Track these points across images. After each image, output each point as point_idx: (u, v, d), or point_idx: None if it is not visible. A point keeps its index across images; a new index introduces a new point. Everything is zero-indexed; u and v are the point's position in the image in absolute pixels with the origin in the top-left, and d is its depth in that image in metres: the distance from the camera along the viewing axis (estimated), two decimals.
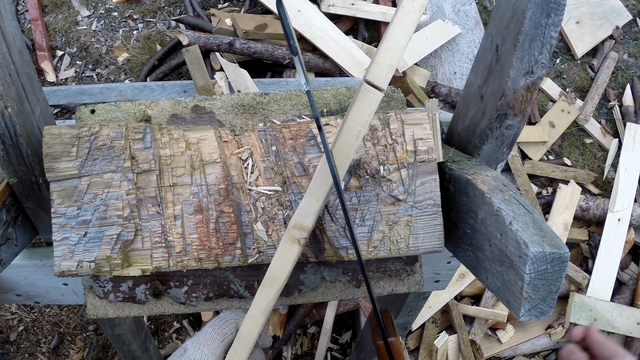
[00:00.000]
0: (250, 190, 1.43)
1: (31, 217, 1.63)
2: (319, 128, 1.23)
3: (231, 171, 1.43)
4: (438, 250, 1.42)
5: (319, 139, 1.45)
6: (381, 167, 1.41)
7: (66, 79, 4.01)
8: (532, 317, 1.12)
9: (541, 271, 1.10)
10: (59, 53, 4.03)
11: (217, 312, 3.43)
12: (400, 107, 1.63)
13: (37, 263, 1.77)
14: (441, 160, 1.50)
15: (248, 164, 1.46)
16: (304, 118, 1.62)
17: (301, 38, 3.77)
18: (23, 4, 4.05)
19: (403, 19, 1.20)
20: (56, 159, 1.33)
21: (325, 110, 1.66)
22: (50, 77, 3.98)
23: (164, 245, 1.36)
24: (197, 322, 3.74)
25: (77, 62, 4.08)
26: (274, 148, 1.47)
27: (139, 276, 1.57)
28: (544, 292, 1.12)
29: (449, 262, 1.90)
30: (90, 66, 4.05)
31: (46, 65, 3.95)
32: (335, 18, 3.86)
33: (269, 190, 1.44)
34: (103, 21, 4.12)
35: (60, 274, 1.35)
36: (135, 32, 4.10)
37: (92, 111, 1.57)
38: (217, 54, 3.53)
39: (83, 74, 4.04)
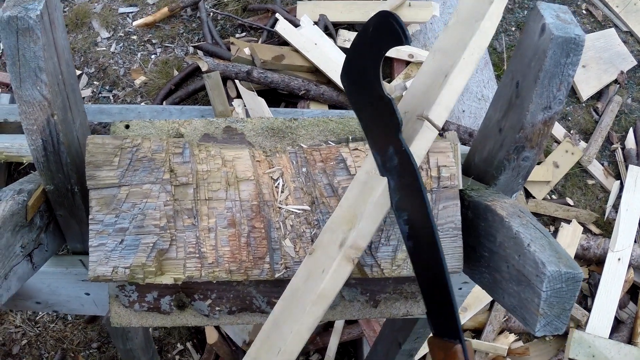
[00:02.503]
0: (280, 208, 1.51)
1: (62, 225, 1.70)
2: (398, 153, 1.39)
3: (263, 189, 1.51)
4: (457, 271, 1.49)
5: (348, 162, 1.53)
6: None
7: (83, 98, 4.10)
8: (547, 332, 1.19)
9: (557, 289, 1.17)
10: (77, 72, 4.13)
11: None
12: None
13: (62, 271, 1.82)
14: (461, 187, 1.58)
15: (279, 183, 1.54)
16: (330, 143, 1.70)
17: (316, 70, 3.88)
18: None
19: (463, 68, 1.34)
20: (98, 168, 1.41)
21: (350, 137, 1.75)
22: None
23: (197, 255, 1.42)
24: (201, 345, 3.77)
25: (95, 83, 4.18)
26: (304, 169, 1.55)
27: (164, 287, 1.63)
28: (559, 309, 1.19)
29: (460, 289, 1.96)
30: (107, 87, 4.15)
31: None
32: None
33: (298, 209, 1.52)
34: (122, 44, 4.24)
35: (95, 279, 1.41)
36: (153, 56, 4.21)
37: (127, 126, 1.65)
38: (236, 81, 3.64)
39: (100, 95, 4.14)
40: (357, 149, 1.56)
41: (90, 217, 1.41)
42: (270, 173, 1.55)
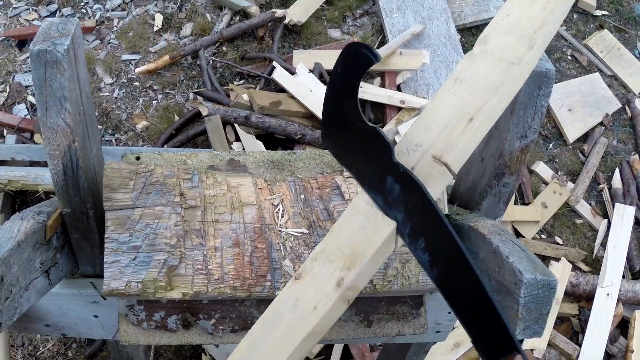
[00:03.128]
0: (280, 231, 1.64)
1: (75, 247, 1.81)
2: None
3: (264, 213, 1.64)
4: None
5: (342, 189, 1.67)
6: None
7: None
8: (526, 336, 1.30)
9: (533, 295, 1.29)
10: None
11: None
12: None
13: (74, 292, 1.92)
14: (447, 212, 1.72)
15: (279, 209, 1.67)
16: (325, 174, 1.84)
17: (312, 116, 4.05)
18: None
19: (490, 115, 1.27)
20: (114, 190, 1.54)
21: (343, 171, 1.88)
22: None
23: (204, 272, 1.54)
24: None
25: (98, 126, 4.33)
26: (302, 196, 1.69)
27: (170, 307, 1.75)
28: (536, 314, 1.30)
29: (450, 312, 2.07)
30: (109, 131, 4.30)
31: None
32: None
33: (297, 232, 1.65)
34: (125, 89, 4.41)
35: (109, 293, 1.53)
36: (154, 102, 4.38)
37: (137, 158, 1.79)
38: (235, 125, 3.80)
39: (102, 138, 4.29)
40: (350, 177, 1.70)
41: (105, 236, 1.53)
42: (271, 199, 1.68)
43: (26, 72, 4.36)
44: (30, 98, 4.24)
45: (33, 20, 4.58)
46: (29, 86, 4.30)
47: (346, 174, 1.71)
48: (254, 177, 1.71)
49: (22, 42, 4.50)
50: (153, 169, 1.56)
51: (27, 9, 4.64)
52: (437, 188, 1.25)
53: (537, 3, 1.30)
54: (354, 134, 1.32)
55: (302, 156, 1.89)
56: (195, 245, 1.55)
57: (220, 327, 1.76)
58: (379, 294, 1.63)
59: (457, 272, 1.17)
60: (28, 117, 4.15)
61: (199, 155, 1.84)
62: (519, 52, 1.25)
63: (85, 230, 1.74)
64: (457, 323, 2.34)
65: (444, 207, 1.69)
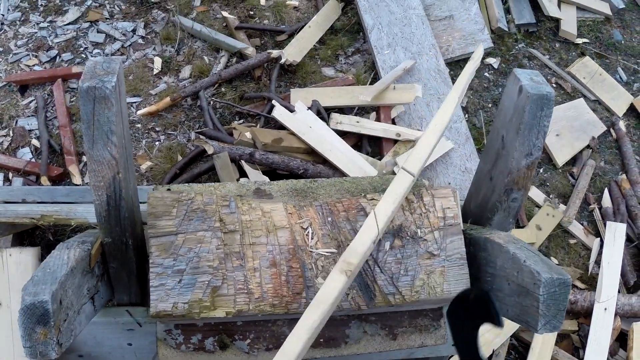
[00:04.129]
0: (311, 251, 1.76)
1: (112, 277, 1.91)
2: None
3: (296, 236, 1.76)
4: None
5: (367, 210, 1.80)
6: (418, 230, 1.76)
7: None
8: (547, 330, 1.43)
9: (551, 293, 1.42)
10: (85, 158, 4.40)
11: None
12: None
13: (109, 320, 2.01)
14: (463, 228, 1.86)
15: (308, 232, 1.80)
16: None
17: (312, 151, 4.18)
18: (52, 110, 4.47)
19: (433, 129, 1.74)
20: (158, 218, 1.66)
21: (365, 195, 2.02)
22: (77, 179, 4.29)
23: (245, 292, 1.66)
24: None
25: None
26: (329, 219, 1.82)
27: (207, 330, 1.85)
28: (555, 310, 1.44)
29: None
30: None
31: (73, 169, 4.27)
32: (342, 134, 4.30)
33: (327, 252, 1.77)
34: None
35: (156, 315, 1.63)
36: (157, 142, 4.50)
37: (169, 189, 1.91)
38: (242, 162, 3.92)
39: None
40: (373, 198, 1.84)
41: (150, 261, 1.64)
42: (301, 223, 1.81)
43: (29, 116, 4.47)
44: (35, 142, 4.34)
45: (34, 65, 4.71)
46: (32, 130, 4.40)
47: (369, 196, 1.85)
48: (284, 202, 1.84)
49: (24, 87, 4.61)
50: (194, 197, 1.68)
51: (27, 55, 4.77)
52: (400, 186, 1.76)
53: None
54: (468, 350, 1.51)
55: (323, 184, 2.02)
56: (235, 267, 1.67)
57: (256, 347, 1.87)
58: (407, 304, 1.75)
59: None
60: (33, 160, 4.25)
61: (227, 186, 1.97)
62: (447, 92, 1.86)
63: (123, 259, 1.85)
64: None
65: (460, 223, 1.82)
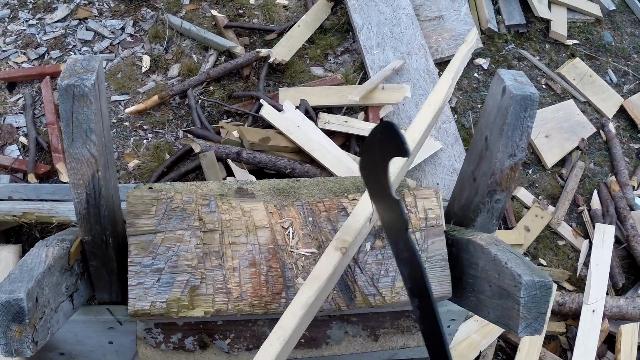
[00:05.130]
0: (292, 251, 1.75)
1: (93, 275, 1.89)
2: None
3: (277, 236, 1.75)
4: (447, 296, 1.72)
5: (348, 210, 1.79)
6: None
7: None
8: (528, 333, 1.42)
9: (532, 295, 1.41)
10: None
11: None
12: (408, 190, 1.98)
13: (91, 319, 1.99)
14: (445, 229, 1.84)
15: (289, 231, 1.78)
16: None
17: (300, 151, 4.17)
18: (40, 108, 4.43)
19: (427, 110, 1.78)
20: (137, 217, 1.64)
21: (347, 195, 2.01)
22: (64, 177, 4.25)
23: (224, 291, 1.64)
24: None
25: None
26: (310, 219, 1.80)
27: (187, 329, 1.83)
28: (536, 312, 1.42)
29: (449, 326, 2.18)
30: None
31: (61, 167, 4.24)
32: (330, 134, 4.29)
33: (307, 252, 1.76)
34: (115, 129, 4.50)
35: (134, 313, 1.61)
36: (145, 141, 4.47)
37: (150, 188, 1.89)
38: (229, 160, 3.90)
39: None
40: (355, 198, 1.82)
41: (129, 259, 1.63)
42: (282, 222, 1.79)
43: (17, 113, 4.44)
44: (22, 139, 4.31)
45: (22, 62, 4.68)
46: (20, 127, 4.37)
47: (351, 196, 1.83)
48: (265, 202, 1.82)
49: (12, 85, 4.58)
50: (173, 196, 1.66)
51: (16, 52, 4.74)
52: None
53: None
54: (381, 192, 1.45)
55: (305, 183, 2.01)
56: (214, 266, 1.65)
57: (236, 346, 1.85)
58: (388, 305, 1.74)
59: (432, 339, 1.38)
60: (20, 157, 4.22)
61: (209, 184, 1.95)
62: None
63: (103, 257, 1.83)
64: (455, 338, 2.45)
65: (443, 224, 1.81)
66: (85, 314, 1.98)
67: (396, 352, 2.06)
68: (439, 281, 1.71)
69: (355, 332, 1.90)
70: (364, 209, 1.63)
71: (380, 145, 1.38)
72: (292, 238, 1.76)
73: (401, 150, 1.29)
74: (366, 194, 1.66)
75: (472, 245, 1.68)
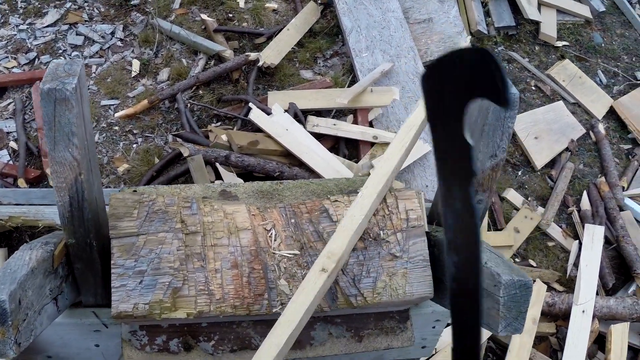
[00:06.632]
0: (274, 253, 1.75)
1: (78, 277, 1.89)
2: None
3: (259, 237, 1.76)
4: (429, 296, 1.73)
5: (330, 212, 1.80)
6: (381, 232, 1.76)
7: None
8: (508, 332, 1.43)
9: (512, 295, 1.42)
10: None
11: None
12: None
13: (76, 322, 1.99)
14: (426, 229, 1.85)
15: (272, 233, 1.79)
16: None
17: (289, 154, 4.18)
18: (30, 113, 4.44)
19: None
20: (119, 219, 1.64)
21: (329, 196, 2.02)
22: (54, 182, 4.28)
23: (206, 293, 1.65)
24: None
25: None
26: (292, 220, 1.81)
27: (172, 331, 1.84)
28: (516, 312, 1.43)
29: (434, 327, 2.19)
30: None
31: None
32: (319, 137, 4.29)
33: (289, 254, 1.76)
34: (105, 134, 4.50)
35: (117, 315, 1.62)
36: (134, 145, 4.48)
37: (134, 191, 1.90)
38: (217, 164, 3.91)
39: None
40: (337, 200, 1.83)
41: (112, 262, 1.63)
42: (264, 224, 1.80)
43: (7, 118, 4.43)
44: (12, 144, 4.31)
45: (12, 67, 4.68)
46: (10, 132, 4.37)
47: (333, 197, 1.84)
48: (247, 204, 1.83)
49: (2, 90, 4.58)
50: (155, 199, 1.67)
51: (6, 57, 4.74)
52: None
53: None
54: (450, 130, 1.13)
55: (289, 185, 2.01)
56: (197, 268, 1.66)
57: (220, 348, 1.86)
58: (369, 306, 1.75)
59: (468, 297, 1.25)
60: (10, 162, 4.22)
61: (192, 187, 1.96)
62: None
63: (88, 260, 1.83)
64: (442, 340, 2.45)
65: (425, 225, 1.82)
66: (71, 316, 1.99)
67: (381, 354, 2.07)
68: (420, 282, 1.71)
69: (339, 333, 1.91)
70: (346, 229, 1.63)
71: (467, 76, 1.02)
72: (275, 240, 1.77)
73: (499, 96, 0.93)
74: (352, 207, 1.66)
75: None
